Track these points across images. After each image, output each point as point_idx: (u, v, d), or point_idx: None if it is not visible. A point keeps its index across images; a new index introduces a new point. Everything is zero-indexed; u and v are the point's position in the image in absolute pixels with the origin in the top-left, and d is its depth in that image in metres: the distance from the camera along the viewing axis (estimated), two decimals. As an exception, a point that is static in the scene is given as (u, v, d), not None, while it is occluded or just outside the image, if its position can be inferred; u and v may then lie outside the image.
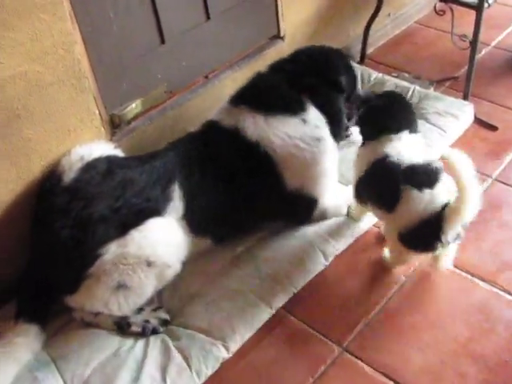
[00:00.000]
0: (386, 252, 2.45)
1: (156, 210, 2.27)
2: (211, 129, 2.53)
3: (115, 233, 2.17)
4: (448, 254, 2.33)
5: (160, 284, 2.31)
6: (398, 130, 2.28)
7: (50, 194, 2.27)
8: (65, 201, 2.21)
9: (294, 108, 2.48)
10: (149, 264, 2.21)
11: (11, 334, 2.17)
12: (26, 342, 2.18)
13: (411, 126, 2.32)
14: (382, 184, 2.25)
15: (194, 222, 2.38)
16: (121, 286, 2.20)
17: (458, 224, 2.12)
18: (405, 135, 2.28)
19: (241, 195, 2.44)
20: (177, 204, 2.33)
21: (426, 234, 2.16)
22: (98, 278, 2.17)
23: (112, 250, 2.16)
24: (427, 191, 2.14)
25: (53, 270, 2.22)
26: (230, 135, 2.46)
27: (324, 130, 2.51)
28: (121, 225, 2.18)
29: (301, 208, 2.57)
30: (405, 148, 2.24)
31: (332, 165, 2.56)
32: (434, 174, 2.18)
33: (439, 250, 2.24)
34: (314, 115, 2.51)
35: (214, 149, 2.45)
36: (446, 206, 2.11)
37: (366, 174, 2.31)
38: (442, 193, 2.15)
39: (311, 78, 2.51)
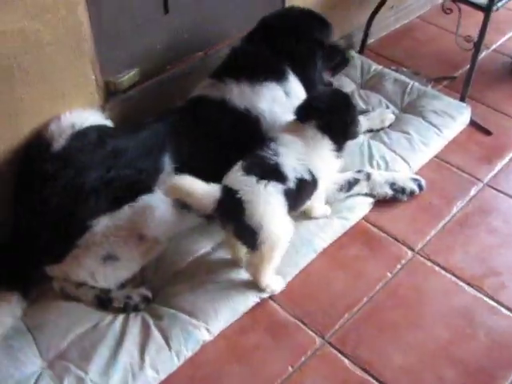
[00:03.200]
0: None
1: (148, 185, 2.24)
2: (198, 102, 2.53)
3: (107, 206, 2.13)
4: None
5: (147, 259, 2.29)
6: None
7: (39, 160, 2.21)
8: (54, 168, 2.15)
9: (276, 76, 2.53)
10: (140, 238, 2.19)
11: None
12: (9, 308, 2.16)
13: None
14: None
15: None
16: (109, 257, 2.17)
17: None
18: None
19: (230, 166, 2.41)
20: (168, 175, 2.29)
21: None
22: (87, 247, 2.13)
23: (103, 222, 2.12)
24: None
25: (39, 238, 2.15)
26: (218, 106, 2.46)
27: None
28: (113, 198, 2.14)
29: None
30: None
31: None
32: None
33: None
34: (295, 85, 2.57)
35: (203, 120, 2.44)
36: None
37: None
38: None
39: (289, 43, 2.56)
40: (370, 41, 3.63)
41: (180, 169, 2.31)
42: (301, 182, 2.18)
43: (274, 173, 2.14)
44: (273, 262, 2.21)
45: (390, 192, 2.65)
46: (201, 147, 2.39)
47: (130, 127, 2.42)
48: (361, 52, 3.56)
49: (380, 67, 3.36)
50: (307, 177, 2.21)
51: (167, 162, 2.31)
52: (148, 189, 2.23)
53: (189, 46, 2.78)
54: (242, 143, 2.39)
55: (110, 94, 2.56)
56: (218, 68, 2.62)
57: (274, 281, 2.29)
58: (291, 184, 2.15)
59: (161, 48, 2.66)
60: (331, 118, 2.28)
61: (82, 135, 2.26)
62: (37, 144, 2.28)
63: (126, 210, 2.15)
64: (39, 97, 2.28)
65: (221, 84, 2.53)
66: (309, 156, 2.23)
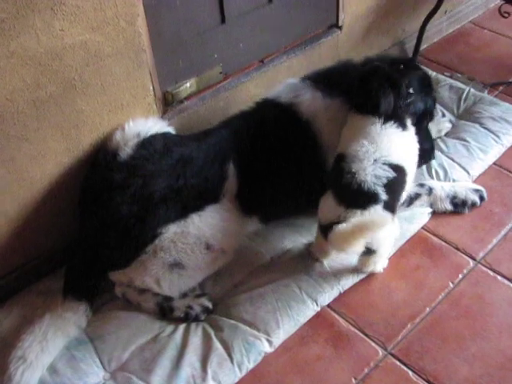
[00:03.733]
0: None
1: (214, 193, 2.25)
2: (264, 106, 2.49)
3: (176, 214, 2.15)
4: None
5: (213, 269, 2.29)
6: None
7: (106, 170, 2.22)
8: (123, 177, 2.17)
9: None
10: (207, 247, 2.19)
11: (60, 309, 2.16)
12: (75, 318, 2.17)
13: None
14: None
15: (246, 200, 2.35)
16: (176, 265, 2.17)
17: None
18: None
19: (288, 174, 2.39)
20: (231, 182, 2.31)
21: None
22: (154, 253, 2.14)
23: (172, 230, 2.14)
24: None
25: (108, 245, 2.17)
26: (281, 113, 2.41)
27: None
28: (181, 207, 2.16)
29: None
30: None
31: None
32: None
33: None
34: None
35: (265, 126, 2.41)
36: None
37: None
38: None
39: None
40: (423, 47, 3.58)
41: (243, 176, 2.32)
42: (391, 182, 2.17)
43: (367, 196, 2.14)
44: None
45: (449, 207, 2.60)
46: (261, 154, 2.37)
47: (195, 134, 2.43)
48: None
49: (434, 73, 3.31)
50: (392, 174, 2.18)
51: (231, 169, 2.31)
52: (214, 197, 2.25)
53: (245, 54, 2.77)
54: (299, 154, 2.39)
55: (167, 104, 2.57)
56: (312, 73, 2.55)
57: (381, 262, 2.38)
58: (383, 196, 2.14)
59: (217, 57, 2.66)
60: (380, 100, 2.24)
61: (148, 143, 2.27)
62: (103, 154, 2.30)
63: (194, 219, 2.17)
64: (99, 108, 2.30)
65: (301, 87, 2.47)
66: (382, 148, 2.21)
